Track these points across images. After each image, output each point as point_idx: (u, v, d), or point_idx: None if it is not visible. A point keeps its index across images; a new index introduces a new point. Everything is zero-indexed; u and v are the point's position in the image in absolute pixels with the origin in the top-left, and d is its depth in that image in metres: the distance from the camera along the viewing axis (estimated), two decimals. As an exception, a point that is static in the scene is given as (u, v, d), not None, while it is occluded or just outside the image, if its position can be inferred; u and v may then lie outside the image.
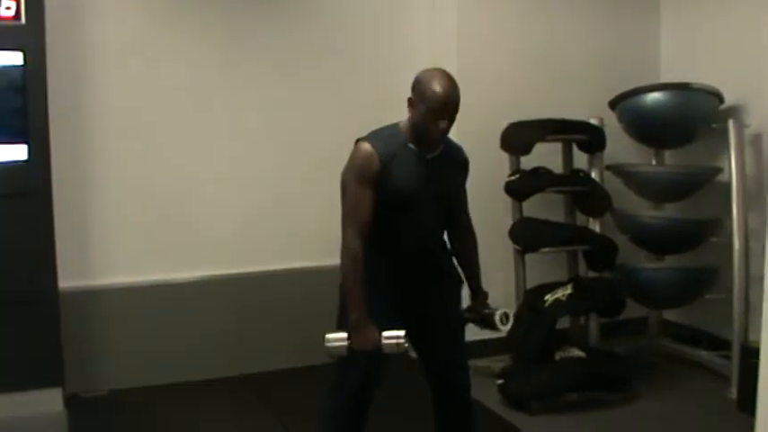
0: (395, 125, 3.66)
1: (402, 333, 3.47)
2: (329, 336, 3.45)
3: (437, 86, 3.46)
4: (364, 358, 3.54)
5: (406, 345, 3.51)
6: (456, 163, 3.80)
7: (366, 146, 3.53)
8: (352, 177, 3.53)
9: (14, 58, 4.73)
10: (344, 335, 3.45)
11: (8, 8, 4.64)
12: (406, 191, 3.54)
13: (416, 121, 3.53)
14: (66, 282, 5.14)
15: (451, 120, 3.51)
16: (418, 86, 3.53)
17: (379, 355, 3.50)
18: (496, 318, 3.82)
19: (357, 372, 3.60)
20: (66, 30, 5.24)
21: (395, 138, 3.58)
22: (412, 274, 3.65)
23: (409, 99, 3.58)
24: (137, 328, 5.54)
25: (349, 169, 3.57)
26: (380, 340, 3.45)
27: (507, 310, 3.86)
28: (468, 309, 3.96)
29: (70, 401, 5.19)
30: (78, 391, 5.34)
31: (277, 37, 5.84)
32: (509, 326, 3.86)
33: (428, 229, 3.71)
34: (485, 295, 3.98)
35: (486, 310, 3.88)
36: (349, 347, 3.44)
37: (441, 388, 3.89)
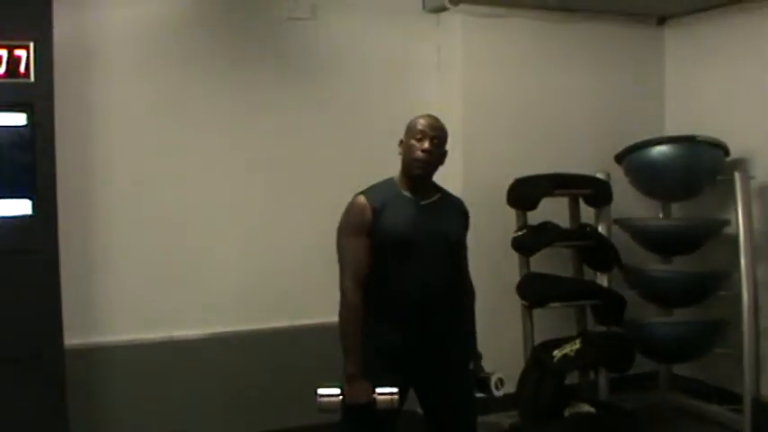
0: (390, 178, 3.77)
1: (396, 390, 3.47)
2: (321, 390, 3.47)
3: (420, 117, 3.70)
4: (360, 423, 3.56)
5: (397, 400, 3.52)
6: (455, 210, 3.87)
7: (359, 198, 3.65)
8: (345, 229, 3.64)
9: (21, 117, 4.75)
10: (337, 390, 3.46)
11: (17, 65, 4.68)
12: (397, 233, 3.58)
13: (404, 156, 3.67)
14: (71, 338, 5.12)
15: (435, 144, 3.62)
16: (407, 126, 3.73)
17: (373, 413, 3.49)
18: (492, 382, 3.85)
19: None
20: (75, 88, 5.25)
21: (388, 187, 3.69)
22: (419, 334, 3.65)
23: (400, 141, 3.73)
24: (143, 385, 5.48)
25: (342, 222, 3.67)
26: (374, 395, 3.45)
27: (502, 376, 3.90)
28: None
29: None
30: (84, 451, 5.30)
31: (284, 93, 5.83)
32: (502, 391, 3.91)
33: (431, 276, 3.67)
34: (479, 357, 3.97)
35: (482, 374, 3.90)
36: (342, 402, 3.45)
37: None
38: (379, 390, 3.44)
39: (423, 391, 3.79)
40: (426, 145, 3.58)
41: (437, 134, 3.64)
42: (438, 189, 3.80)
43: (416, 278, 3.60)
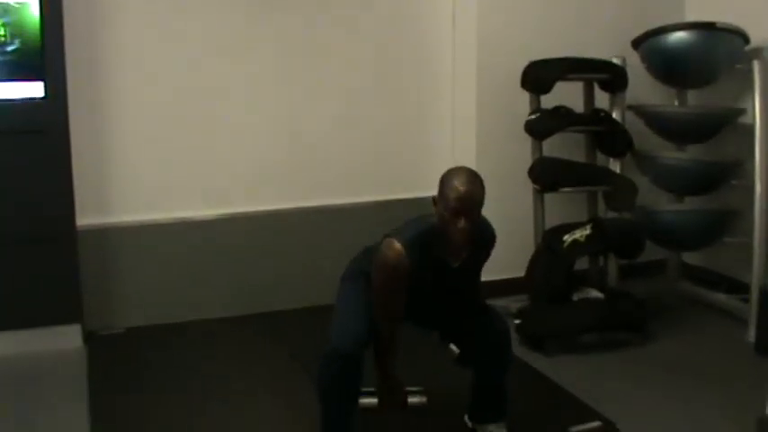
0: (427, 221, 3.60)
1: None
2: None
3: (456, 182, 3.40)
4: (351, 323, 3.64)
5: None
6: (479, 249, 3.73)
7: (397, 251, 3.46)
8: (382, 282, 3.51)
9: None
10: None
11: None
12: (426, 296, 3.63)
13: (439, 220, 3.47)
14: (84, 219, 5.16)
15: (470, 219, 3.41)
16: (440, 185, 3.49)
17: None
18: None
19: (350, 328, 3.64)
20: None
21: (424, 241, 3.52)
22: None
23: (433, 198, 3.54)
24: (154, 265, 5.55)
25: (379, 271, 3.52)
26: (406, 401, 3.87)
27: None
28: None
29: (89, 338, 5.25)
30: (96, 329, 5.37)
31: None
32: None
33: (450, 308, 3.79)
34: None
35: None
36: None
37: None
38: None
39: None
40: (462, 224, 3.37)
41: (472, 207, 3.40)
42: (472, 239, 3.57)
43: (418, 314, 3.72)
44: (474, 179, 3.43)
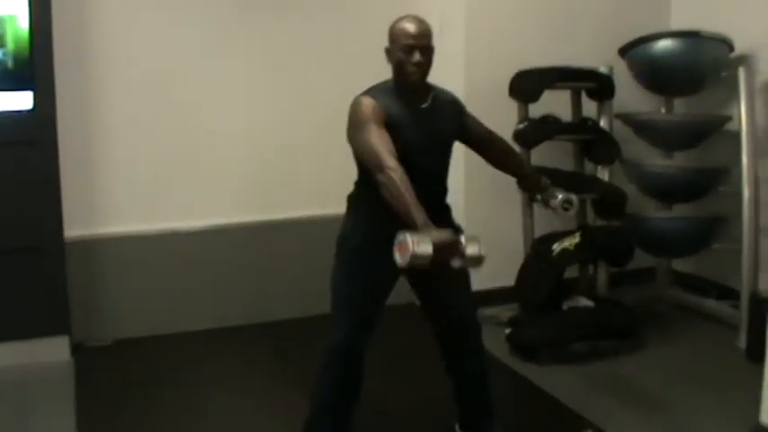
0: (385, 81, 3.65)
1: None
2: (411, 238, 3.03)
3: (404, 23, 3.52)
4: (349, 312, 3.62)
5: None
6: (450, 107, 3.77)
7: (364, 98, 3.51)
8: (361, 121, 3.43)
9: (20, 6, 4.71)
10: (424, 235, 3.07)
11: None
12: (410, 142, 3.47)
13: (395, 66, 3.56)
14: (71, 230, 5.13)
15: (424, 53, 3.50)
16: (390, 32, 3.58)
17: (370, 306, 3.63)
18: (558, 201, 3.92)
19: (344, 322, 3.63)
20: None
21: (388, 92, 3.56)
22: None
23: (386, 49, 3.61)
24: (143, 277, 5.54)
25: (355, 121, 3.48)
26: (458, 237, 3.21)
27: (571, 196, 3.93)
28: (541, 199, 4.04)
29: (76, 350, 5.22)
30: (84, 340, 5.34)
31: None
32: (573, 211, 3.98)
33: (432, 178, 3.64)
34: (546, 184, 4.04)
35: (552, 200, 3.96)
36: (434, 247, 3.06)
37: (448, 333, 3.87)
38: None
39: (417, 279, 3.79)
40: (417, 58, 3.47)
41: (425, 42, 3.51)
42: (431, 88, 3.69)
43: (417, 182, 3.53)
44: (420, 18, 3.57)
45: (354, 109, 3.50)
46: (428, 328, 3.90)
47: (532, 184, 4.07)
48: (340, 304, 3.69)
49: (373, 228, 3.58)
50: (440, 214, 3.64)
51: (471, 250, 3.15)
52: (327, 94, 5.74)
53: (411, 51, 3.47)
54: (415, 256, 3.01)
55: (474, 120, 3.89)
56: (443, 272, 3.25)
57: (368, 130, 3.37)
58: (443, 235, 3.11)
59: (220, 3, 5.62)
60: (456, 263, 3.20)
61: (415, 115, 3.55)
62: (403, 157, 3.33)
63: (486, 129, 3.94)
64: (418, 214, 3.12)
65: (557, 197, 3.92)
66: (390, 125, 3.42)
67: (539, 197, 4.06)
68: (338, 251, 3.76)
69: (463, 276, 3.80)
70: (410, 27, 3.49)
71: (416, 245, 3.00)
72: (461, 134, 3.82)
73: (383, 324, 3.73)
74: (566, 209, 3.90)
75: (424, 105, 3.60)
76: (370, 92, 3.56)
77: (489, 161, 4.03)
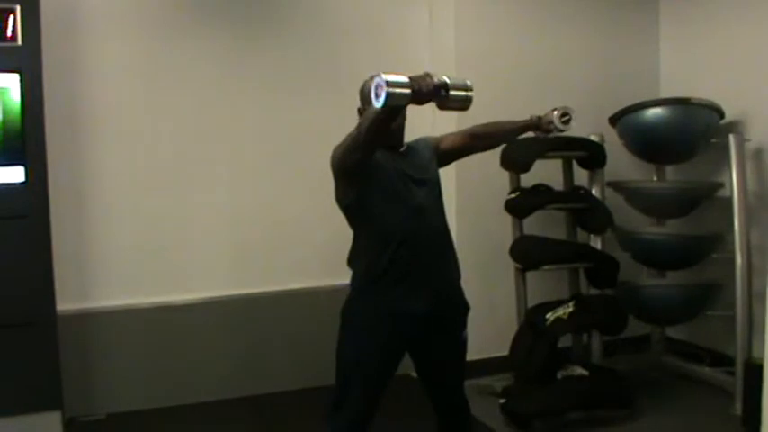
0: None
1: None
2: (388, 78, 2.94)
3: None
4: (357, 388, 3.58)
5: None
6: (423, 144, 3.83)
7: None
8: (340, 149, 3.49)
9: (11, 80, 4.73)
10: (403, 77, 3.01)
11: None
12: (394, 179, 3.51)
13: None
14: (63, 304, 5.12)
15: (400, 118, 3.52)
16: (361, 93, 3.67)
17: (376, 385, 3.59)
18: (556, 115, 3.91)
19: (352, 404, 3.59)
20: (63, 50, 5.23)
21: None
22: (422, 273, 3.58)
23: (358, 109, 3.67)
24: (135, 350, 5.52)
25: (335, 156, 3.55)
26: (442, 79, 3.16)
27: (567, 108, 3.92)
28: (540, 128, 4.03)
29: (69, 425, 5.18)
30: (77, 415, 5.31)
31: (277, 56, 5.83)
32: (572, 122, 3.94)
33: (427, 215, 3.63)
34: (538, 117, 4.03)
35: (548, 122, 3.95)
36: (413, 87, 3.02)
37: (445, 410, 3.85)
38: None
39: (419, 355, 3.78)
40: (392, 125, 3.38)
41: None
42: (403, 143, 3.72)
43: (410, 221, 3.52)
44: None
45: (334, 151, 3.54)
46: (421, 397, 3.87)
47: (529, 128, 4.07)
48: (347, 380, 3.63)
49: (376, 273, 3.58)
50: (446, 266, 3.74)
51: (455, 82, 3.19)
52: (318, 167, 5.75)
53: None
54: (392, 94, 2.94)
55: (446, 136, 3.97)
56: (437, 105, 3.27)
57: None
58: (423, 75, 3.08)
59: (208, 76, 5.67)
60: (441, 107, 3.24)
61: (393, 158, 3.59)
62: (390, 194, 3.47)
63: (459, 132, 4.02)
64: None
65: (552, 114, 3.92)
66: (372, 165, 3.45)
67: (539, 133, 4.11)
68: (342, 323, 3.72)
69: (460, 356, 3.82)
70: None
71: (390, 78, 2.94)
72: (442, 157, 3.87)
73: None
74: (565, 122, 3.89)
75: (401, 150, 3.66)
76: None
77: (483, 148, 4.13)
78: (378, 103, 2.98)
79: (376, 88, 2.97)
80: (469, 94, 3.26)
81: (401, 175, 3.56)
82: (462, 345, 3.80)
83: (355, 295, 3.71)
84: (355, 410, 3.59)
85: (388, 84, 2.93)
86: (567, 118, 3.91)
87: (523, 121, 4.04)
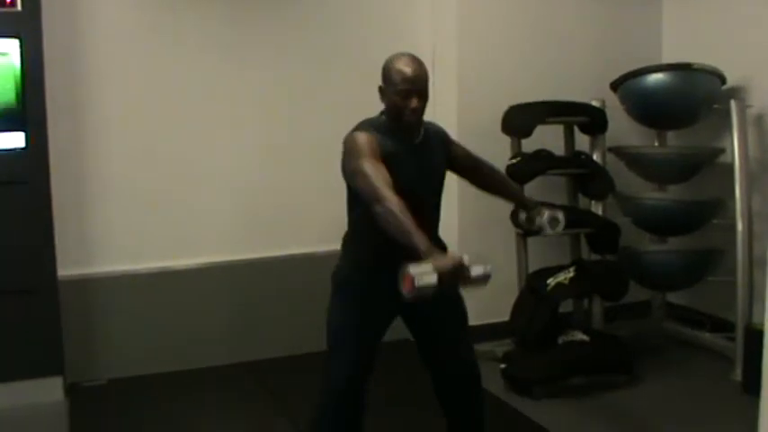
0: (377, 117, 3.60)
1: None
2: (414, 271, 2.97)
3: (401, 65, 3.44)
4: (349, 349, 3.57)
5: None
6: (438, 139, 3.76)
7: (359, 133, 3.44)
8: (357, 157, 3.35)
9: (11, 45, 4.71)
10: (428, 265, 3.01)
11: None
12: (406, 178, 3.39)
13: (389, 107, 3.50)
14: (64, 270, 5.12)
15: (422, 97, 3.46)
16: (384, 72, 3.52)
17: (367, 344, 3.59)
18: (545, 219, 3.89)
19: (343, 362, 3.58)
20: (64, 17, 5.20)
21: (381, 128, 3.50)
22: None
23: (379, 87, 3.55)
24: (137, 316, 5.52)
25: (351, 155, 3.41)
26: (462, 258, 3.13)
27: (557, 214, 3.91)
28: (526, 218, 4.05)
29: (70, 390, 5.19)
30: (78, 380, 5.32)
31: (277, 25, 5.81)
32: (560, 228, 3.92)
33: (427, 210, 3.59)
34: (534, 203, 4.04)
35: (538, 217, 3.93)
36: (439, 277, 3.00)
37: (447, 379, 3.83)
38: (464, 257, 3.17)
39: (412, 318, 3.77)
40: (414, 104, 3.41)
41: (422, 87, 3.45)
42: (421, 123, 3.64)
43: (412, 211, 3.50)
44: (419, 61, 3.49)
45: (349, 143, 3.44)
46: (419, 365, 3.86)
47: (520, 204, 4.12)
48: (339, 343, 3.63)
49: (367, 261, 3.57)
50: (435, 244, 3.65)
51: (476, 271, 3.12)
52: (318, 131, 5.75)
53: (408, 97, 3.41)
54: (420, 289, 2.97)
55: (459, 147, 3.89)
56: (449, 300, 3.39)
57: (363, 163, 3.31)
58: (447, 260, 3.06)
59: (211, 41, 5.64)
60: (464, 285, 3.21)
61: (408, 151, 3.52)
62: (399, 191, 3.26)
63: (470, 154, 3.93)
64: (420, 241, 3.06)
65: (543, 214, 3.91)
66: (385, 161, 3.35)
67: (523, 217, 4.10)
68: (333, 288, 3.71)
69: (462, 324, 3.81)
70: (407, 70, 3.42)
71: (420, 278, 2.95)
72: (449, 163, 3.80)
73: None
74: (552, 226, 3.89)
75: (416, 141, 3.58)
76: (363, 127, 3.51)
77: (476, 185, 4.04)
78: (403, 293, 3.01)
79: (404, 278, 3.00)
80: (488, 273, 3.18)
81: (416, 173, 3.53)
82: (459, 304, 3.80)
83: (346, 267, 3.72)
84: (345, 372, 3.58)
85: (419, 288, 2.96)
86: (554, 223, 3.91)
87: (523, 198, 4.17)
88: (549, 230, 3.90)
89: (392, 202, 3.15)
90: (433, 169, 3.66)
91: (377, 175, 3.26)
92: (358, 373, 3.61)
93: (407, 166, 3.47)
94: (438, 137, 3.76)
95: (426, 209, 3.55)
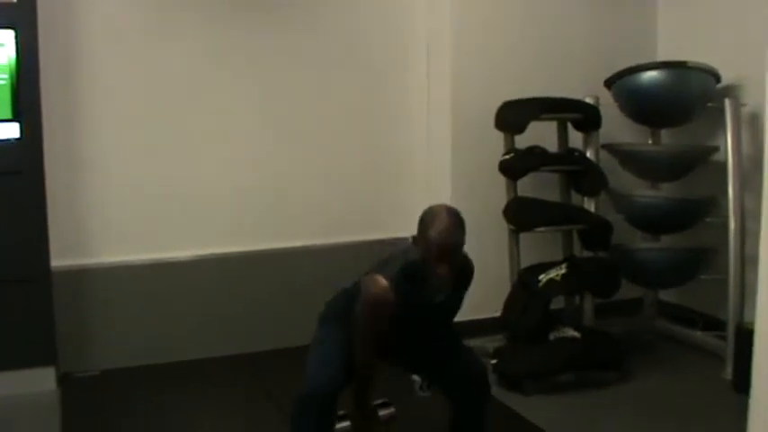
0: (410, 263, 3.54)
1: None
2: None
3: (438, 228, 3.39)
4: (327, 368, 3.60)
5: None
6: (460, 285, 3.74)
7: (384, 286, 3.42)
8: (367, 318, 3.44)
9: (6, 36, 4.71)
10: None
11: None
12: (409, 319, 3.49)
13: (421, 261, 3.46)
14: (58, 260, 5.12)
15: (454, 263, 3.43)
16: (421, 226, 3.48)
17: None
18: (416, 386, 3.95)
19: (318, 375, 3.61)
20: (59, 8, 5.20)
21: (408, 281, 3.49)
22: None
23: (413, 237, 3.54)
24: (130, 307, 5.53)
25: (366, 307, 3.45)
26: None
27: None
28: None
29: (63, 381, 5.20)
30: (71, 371, 5.32)
31: (272, 28, 5.83)
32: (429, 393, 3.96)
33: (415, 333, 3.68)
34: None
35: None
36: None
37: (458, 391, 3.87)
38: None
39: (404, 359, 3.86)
40: (446, 270, 3.38)
41: (456, 254, 3.44)
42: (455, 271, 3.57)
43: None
44: (457, 225, 3.43)
45: (368, 294, 3.45)
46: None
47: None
48: (317, 359, 3.68)
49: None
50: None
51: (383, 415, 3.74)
52: (319, 125, 5.76)
53: (440, 261, 3.38)
54: None
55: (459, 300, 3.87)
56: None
57: (368, 329, 3.46)
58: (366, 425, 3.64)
59: (212, 33, 5.65)
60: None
61: (426, 309, 3.58)
62: (398, 336, 3.50)
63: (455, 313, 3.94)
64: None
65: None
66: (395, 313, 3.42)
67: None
68: (322, 317, 3.85)
69: (452, 340, 3.84)
70: (446, 240, 3.38)
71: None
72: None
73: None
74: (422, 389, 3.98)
75: (439, 299, 3.59)
76: (390, 275, 3.47)
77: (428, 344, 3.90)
78: None
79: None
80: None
81: (423, 314, 3.62)
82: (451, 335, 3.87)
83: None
84: (321, 382, 3.58)
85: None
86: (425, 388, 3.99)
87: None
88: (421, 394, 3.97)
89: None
90: (444, 311, 3.75)
91: (370, 343, 3.48)
92: (332, 382, 3.58)
93: (415, 313, 3.54)
94: (461, 279, 3.74)
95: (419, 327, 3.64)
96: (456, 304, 3.81)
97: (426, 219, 3.47)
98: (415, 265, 3.49)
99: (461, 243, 3.45)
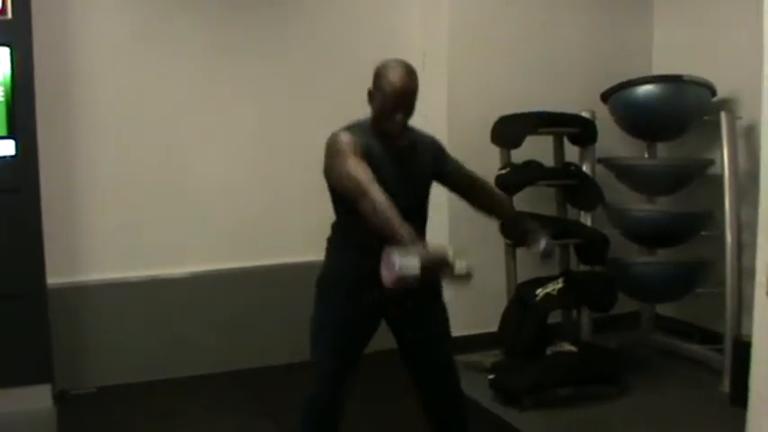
0: (364, 120, 3.60)
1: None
2: (398, 256, 2.97)
3: (394, 78, 3.44)
4: (331, 359, 3.59)
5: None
6: (427, 151, 3.74)
7: (342, 134, 3.46)
8: (340, 155, 3.38)
9: (2, 54, 4.72)
10: (413, 254, 3.00)
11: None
12: (387, 181, 3.36)
13: (376, 112, 3.51)
14: (54, 277, 5.11)
15: (408, 113, 3.49)
16: (376, 78, 3.52)
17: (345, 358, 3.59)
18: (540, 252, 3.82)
19: (327, 374, 3.59)
20: (54, 24, 5.21)
21: (366, 131, 3.52)
22: None
23: (369, 90, 3.56)
24: (126, 324, 5.51)
25: (333, 153, 3.44)
26: (446, 252, 3.16)
27: (550, 248, 3.85)
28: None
29: (59, 398, 5.18)
30: (67, 388, 5.31)
31: (274, 27, 5.86)
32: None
33: (409, 216, 3.59)
34: (528, 227, 3.93)
35: (533, 245, 3.85)
36: (422, 266, 2.99)
37: (431, 390, 3.82)
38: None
39: (395, 324, 3.77)
40: (399, 118, 3.45)
41: (410, 102, 3.48)
42: (409, 130, 3.63)
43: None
44: (410, 73, 3.49)
45: (332, 143, 3.47)
46: (402, 374, 3.85)
47: (516, 226, 4.04)
48: (322, 349, 3.65)
49: (351, 263, 3.59)
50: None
51: (460, 267, 3.14)
52: (308, 141, 5.74)
53: (395, 109, 3.43)
54: (401, 276, 2.97)
55: (455, 162, 3.87)
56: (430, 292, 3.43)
57: (347, 161, 3.33)
58: (431, 252, 3.08)
59: (208, 50, 5.66)
60: (445, 280, 3.25)
61: (392, 155, 3.52)
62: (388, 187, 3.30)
63: (466, 171, 3.91)
64: (405, 231, 3.07)
65: (539, 244, 3.83)
66: (368, 163, 3.36)
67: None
68: (317, 292, 3.76)
69: (443, 319, 3.81)
70: (398, 83, 3.42)
71: (403, 261, 2.96)
72: (442, 177, 3.79)
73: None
74: (545, 256, 3.87)
75: (400, 144, 3.57)
76: (347, 129, 3.53)
77: (472, 204, 3.98)
78: (384, 279, 3.04)
79: (386, 262, 3.02)
80: (471, 273, 3.20)
81: (397, 175, 3.51)
82: (439, 320, 3.81)
83: (325, 268, 3.79)
84: (330, 383, 3.59)
85: (400, 273, 2.96)
86: (545, 258, 3.88)
87: (518, 219, 4.08)
88: (541, 255, 3.88)
89: (377, 195, 3.18)
90: (415, 175, 3.64)
91: (360, 171, 3.28)
92: (341, 382, 3.60)
93: (389, 170, 3.47)
94: (429, 147, 3.76)
95: (407, 214, 3.53)
96: (433, 170, 3.74)
97: (380, 71, 3.52)
98: (366, 123, 3.57)
99: (416, 90, 3.49)
